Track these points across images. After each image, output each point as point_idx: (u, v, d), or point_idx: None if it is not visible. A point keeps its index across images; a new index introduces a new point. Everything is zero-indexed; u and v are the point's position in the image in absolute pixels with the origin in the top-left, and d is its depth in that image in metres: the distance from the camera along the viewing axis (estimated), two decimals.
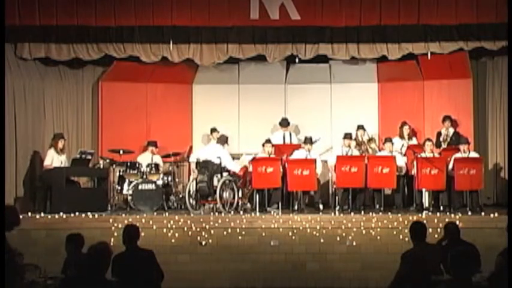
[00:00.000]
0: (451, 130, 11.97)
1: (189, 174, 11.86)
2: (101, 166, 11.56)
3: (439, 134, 12.03)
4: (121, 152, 11.58)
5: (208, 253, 9.76)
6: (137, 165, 11.49)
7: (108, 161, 11.56)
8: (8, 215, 5.56)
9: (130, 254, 6.14)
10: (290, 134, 12.44)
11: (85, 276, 5.19)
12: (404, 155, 11.54)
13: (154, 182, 11.28)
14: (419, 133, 12.48)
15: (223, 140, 11.08)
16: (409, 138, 12.04)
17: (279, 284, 9.65)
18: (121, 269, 5.94)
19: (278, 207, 10.84)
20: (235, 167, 10.95)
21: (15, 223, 5.64)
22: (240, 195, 10.94)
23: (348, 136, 11.48)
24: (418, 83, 12.76)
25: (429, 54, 11.61)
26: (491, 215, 9.90)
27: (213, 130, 12.22)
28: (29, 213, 10.17)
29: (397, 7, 11.17)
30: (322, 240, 9.72)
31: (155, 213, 10.64)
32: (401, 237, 9.43)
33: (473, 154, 11.23)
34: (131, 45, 11.46)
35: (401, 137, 12.01)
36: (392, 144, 11.46)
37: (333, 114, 12.90)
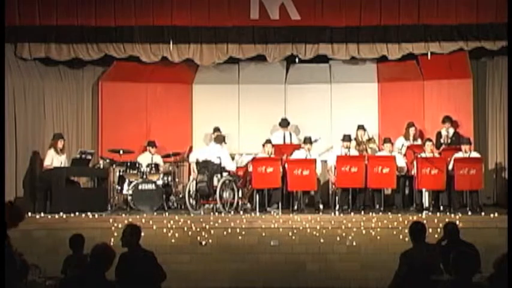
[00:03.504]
0: (451, 130, 11.96)
1: (189, 174, 11.85)
2: (101, 166, 11.55)
3: (439, 134, 12.02)
4: (121, 152, 11.58)
5: (208, 253, 9.76)
6: (137, 165, 11.49)
7: (108, 161, 11.55)
8: (11, 211, 5.52)
9: (135, 254, 6.11)
10: (290, 134, 12.43)
11: (85, 276, 5.19)
12: (404, 155, 11.53)
13: (154, 182, 11.28)
14: (420, 133, 12.47)
15: (220, 140, 11.07)
16: (414, 139, 12.01)
17: (279, 284, 9.65)
18: (126, 268, 5.92)
19: (278, 207, 10.84)
20: (232, 166, 10.94)
21: (19, 219, 5.60)
22: (240, 195, 10.93)
23: (346, 138, 11.42)
24: (418, 83, 12.74)
25: (429, 54, 11.61)
26: (491, 215, 9.91)
27: (216, 129, 12.21)
28: (29, 213, 10.15)
29: (397, 7, 11.19)
30: (322, 240, 9.72)
31: (155, 213, 10.64)
32: (401, 237, 9.42)
33: (475, 154, 11.21)
34: (131, 45, 11.47)
35: (407, 137, 11.96)
36: (392, 144, 11.45)
37: (333, 114, 12.87)
